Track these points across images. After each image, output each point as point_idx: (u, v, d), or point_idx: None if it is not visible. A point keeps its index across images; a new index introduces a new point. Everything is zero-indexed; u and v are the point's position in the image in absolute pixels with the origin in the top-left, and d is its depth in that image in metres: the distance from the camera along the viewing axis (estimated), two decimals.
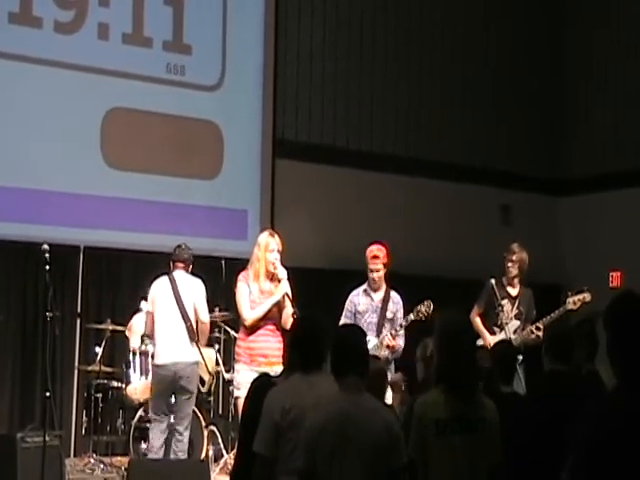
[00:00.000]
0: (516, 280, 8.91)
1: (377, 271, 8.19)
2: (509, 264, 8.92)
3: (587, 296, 8.76)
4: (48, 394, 7.56)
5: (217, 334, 9.52)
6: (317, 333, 4.78)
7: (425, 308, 8.05)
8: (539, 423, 4.93)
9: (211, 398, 9.35)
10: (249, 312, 7.56)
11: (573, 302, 8.72)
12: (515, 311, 8.78)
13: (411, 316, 8.09)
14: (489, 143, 12.99)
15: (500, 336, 8.57)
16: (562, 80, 13.58)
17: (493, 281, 8.80)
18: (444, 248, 11.95)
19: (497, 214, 12.93)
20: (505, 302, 8.79)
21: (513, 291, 8.90)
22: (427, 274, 11.51)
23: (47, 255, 7.86)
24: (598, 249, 12.55)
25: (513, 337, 8.54)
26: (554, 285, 11.69)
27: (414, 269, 11.19)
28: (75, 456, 9.57)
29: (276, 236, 7.78)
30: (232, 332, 9.12)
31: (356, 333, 4.61)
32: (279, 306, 7.64)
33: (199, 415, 8.80)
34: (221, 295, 9.94)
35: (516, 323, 8.75)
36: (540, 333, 8.54)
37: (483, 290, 8.87)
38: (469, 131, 12.85)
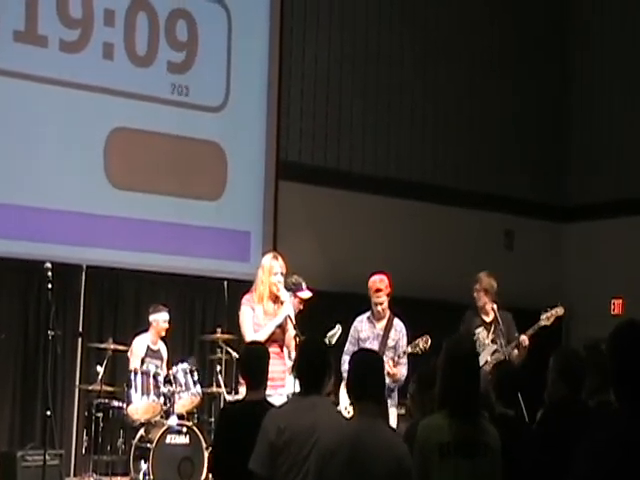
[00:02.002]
0: (488, 307, 8.91)
1: (381, 304, 8.25)
2: (475, 293, 8.93)
3: (559, 310, 8.79)
4: (49, 413, 7.55)
5: (219, 355, 9.52)
6: (320, 358, 4.83)
7: (423, 344, 8.14)
8: (544, 448, 4.90)
9: (212, 419, 9.35)
10: (253, 336, 7.54)
11: (547, 318, 8.75)
12: (491, 336, 8.79)
13: (409, 349, 8.15)
14: (494, 169, 13.01)
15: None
16: (569, 107, 13.63)
17: (470, 311, 8.90)
18: (447, 272, 11.95)
19: (501, 239, 12.95)
20: (480, 330, 8.83)
21: (487, 318, 8.91)
22: (430, 298, 11.52)
23: (49, 273, 7.86)
24: (600, 276, 12.57)
25: (489, 360, 8.50)
26: None
27: (417, 293, 11.19)
28: (75, 475, 9.54)
29: (280, 259, 7.77)
30: (234, 353, 9.12)
31: (376, 360, 4.61)
32: (282, 328, 7.63)
33: (200, 436, 8.81)
34: (223, 316, 9.94)
35: (493, 347, 8.75)
36: (516, 352, 8.59)
37: (461, 323, 8.92)
38: (474, 156, 12.88)
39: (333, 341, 8.03)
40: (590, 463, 3.18)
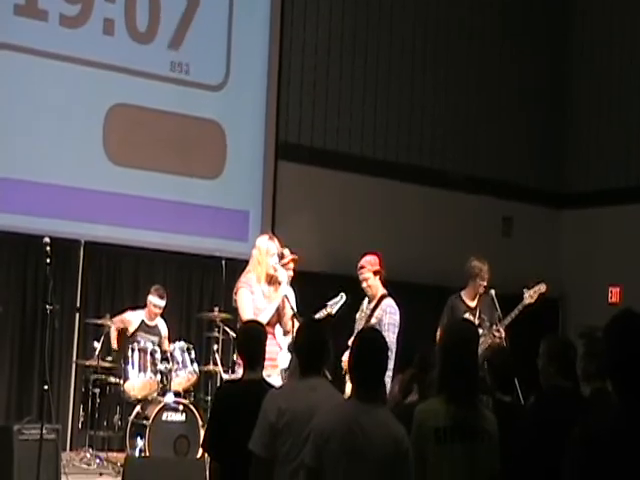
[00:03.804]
0: (474, 292, 8.96)
1: (364, 280, 8.28)
2: (480, 281, 8.90)
3: (542, 287, 8.79)
4: (46, 387, 7.55)
5: (216, 334, 9.54)
6: (320, 340, 4.84)
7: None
8: (537, 433, 4.94)
9: (208, 398, 9.40)
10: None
11: (530, 296, 8.76)
12: (477, 321, 8.80)
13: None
14: (493, 154, 13.02)
15: None
16: (567, 94, 13.62)
17: (453, 297, 8.90)
18: (444, 257, 11.96)
19: (499, 225, 12.98)
20: (467, 315, 8.84)
21: (472, 303, 8.92)
22: (427, 283, 11.54)
23: (48, 248, 7.86)
24: (598, 264, 12.61)
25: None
26: (552, 299, 11.68)
27: (414, 277, 11.22)
28: (71, 450, 9.60)
29: (275, 239, 7.76)
30: (231, 332, 9.15)
31: (380, 342, 4.58)
32: (278, 309, 7.61)
33: (196, 414, 8.85)
34: (221, 295, 9.96)
35: (480, 332, 8.77)
36: (502, 334, 8.63)
37: (444, 308, 8.93)
38: (473, 142, 12.89)
39: (333, 311, 7.85)
40: (585, 453, 3.20)
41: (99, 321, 9.45)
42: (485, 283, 8.89)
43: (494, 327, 8.71)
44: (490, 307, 8.88)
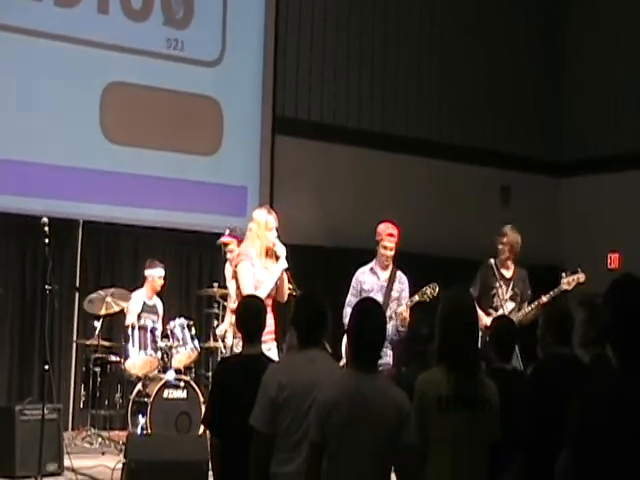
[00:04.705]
0: (509, 262, 8.88)
1: (391, 249, 8.23)
2: (500, 246, 8.89)
3: (581, 276, 8.74)
4: (47, 367, 7.55)
5: (216, 310, 9.54)
6: (318, 312, 4.83)
7: (430, 290, 8.08)
8: (541, 399, 4.94)
9: (209, 374, 9.39)
10: (253, 293, 7.45)
11: (567, 282, 8.70)
12: (510, 292, 8.75)
13: (416, 297, 8.11)
14: (490, 124, 13.00)
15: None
16: (563, 61, 13.59)
17: (488, 263, 8.83)
18: (443, 227, 11.97)
19: (497, 195, 12.96)
20: (499, 285, 8.79)
21: (507, 273, 8.87)
22: (426, 253, 11.53)
23: (46, 228, 7.83)
24: (597, 231, 12.61)
25: None
26: (552, 266, 11.69)
27: (413, 248, 11.17)
28: (73, 429, 9.65)
29: (273, 212, 7.71)
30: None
31: (379, 312, 4.55)
32: (277, 283, 7.57)
33: (197, 391, 8.85)
34: (220, 271, 9.94)
35: (511, 305, 8.74)
36: (529, 309, 8.60)
37: (478, 273, 8.88)
38: (470, 111, 12.86)
39: None
40: (586, 419, 3.21)
41: None
42: (502, 248, 8.82)
43: (525, 304, 8.68)
44: (524, 283, 8.83)
